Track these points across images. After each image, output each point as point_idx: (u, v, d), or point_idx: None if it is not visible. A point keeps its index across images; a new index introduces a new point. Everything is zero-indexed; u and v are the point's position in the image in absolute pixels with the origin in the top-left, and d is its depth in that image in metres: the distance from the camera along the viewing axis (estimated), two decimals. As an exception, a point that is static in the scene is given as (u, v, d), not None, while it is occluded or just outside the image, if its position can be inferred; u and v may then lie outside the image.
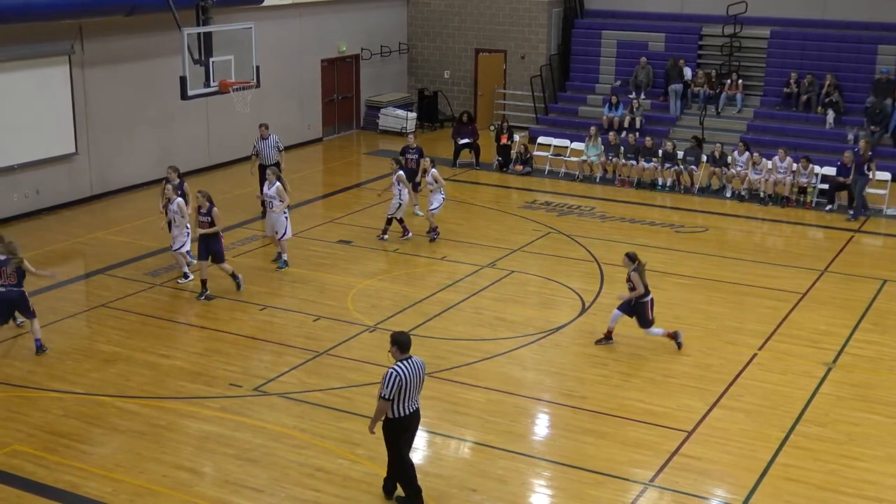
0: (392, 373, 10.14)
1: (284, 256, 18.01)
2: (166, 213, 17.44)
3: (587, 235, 20.30)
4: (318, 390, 13.43)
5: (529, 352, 14.79)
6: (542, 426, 12.92)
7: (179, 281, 17.31)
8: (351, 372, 14.05)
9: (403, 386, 10.14)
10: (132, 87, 22.97)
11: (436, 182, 19.77)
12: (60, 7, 19.63)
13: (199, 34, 18.06)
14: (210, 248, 16.57)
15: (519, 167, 25.66)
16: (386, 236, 19.69)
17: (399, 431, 10.41)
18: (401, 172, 19.66)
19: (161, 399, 13.17)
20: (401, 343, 10.31)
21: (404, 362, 10.25)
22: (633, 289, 14.44)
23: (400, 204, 19.45)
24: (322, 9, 28.24)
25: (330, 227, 20.78)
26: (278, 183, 17.68)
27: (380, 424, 10.44)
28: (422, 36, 31.91)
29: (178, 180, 17.64)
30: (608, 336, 14.89)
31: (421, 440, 12.24)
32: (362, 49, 30.25)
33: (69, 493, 10.91)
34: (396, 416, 10.28)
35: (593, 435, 12.32)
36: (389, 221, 19.70)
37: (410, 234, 19.77)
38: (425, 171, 20.11)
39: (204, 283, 16.73)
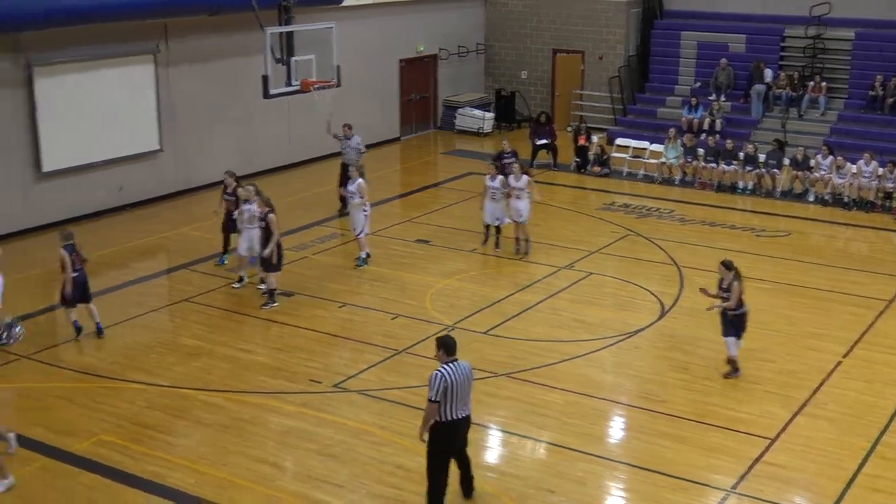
0: (437, 374, 10.03)
1: (362, 254, 18.10)
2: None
3: (666, 238, 20.12)
4: (397, 388, 13.50)
5: (608, 354, 14.70)
6: (620, 429, 12.84)
7: (234, 286, 17.10)
8: (429, 370, 13.89)
9: (450, 388, 10.00)
10: (215, 86, 23.34)
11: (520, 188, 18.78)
12: (147, 7, 20.05)
13: (280, 34, 18.26)
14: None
15: (597, 168, 25.52)
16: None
17: (448, 437, 10.23)
18: (501, 177, 18.95)
19: (243, 393, 13.36)
20: (447, 346, 10.20)
21: (450, 365, 10.10)
22: (726, 299, 13.52)
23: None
24: (401, 9, 28.39)
25: (408, 227, 20.88)
26: (360, 180, 17.79)
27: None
28: (499, 36, 31.89)
29: (234, 184, 17.70)
30: (734, 368, 13.81)
31: (498, 440, 12.29)
32: (440, 49, 30.34)
33: (154, 482, 11.12)
34: (445, 419, 10.11)
35: (672, 439, 12.20)
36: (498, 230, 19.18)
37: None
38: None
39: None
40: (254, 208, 16.44)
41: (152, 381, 13.67)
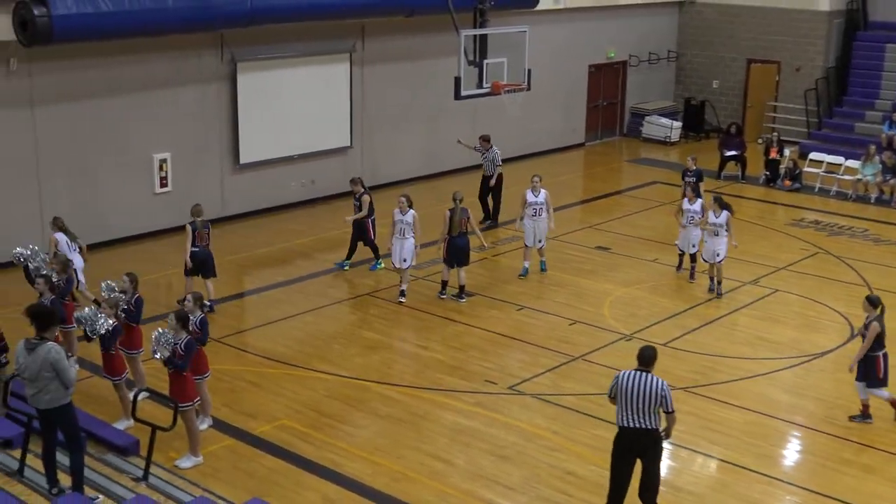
0: (616, 374, 10.13)
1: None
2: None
3: (858, 258, 19.34)
4: (571, 394, 13.47)
5: (792, 375, 14.25)
6: (801, 453, 12.43)
7: (403, 297, 16.83)
8: (605, 379, 13.88)
9: (619, 391, 9.97)
10: (405, 86, 23.82)
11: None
12: (347, 7, 20.67)
13: (474, 36, 18.45)
14: (456, 255, 16.69)
15: (787, 182, 24.75)
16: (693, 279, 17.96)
17: (617, 441, 10.13)
18: (702, 201, 17.87)
19: (420, 389, 13.59)
20: (640, 355, 10.18)
21: (634, 372, 10.02)
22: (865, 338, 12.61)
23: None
24: (594, 14, 28.25)
25: (589, 233, 20.78)
26: (544, 191, 17.70)
27: None
28: (692, 44, 31.32)
29: (362, 190, 17.85)
30: (865, 413, 12.85)
31: (674, 455, 12.08)
32: (630, 55, 30.04)
33: (332, 470, 11.44)
34: (617, 423, 10.07)
35: (858, 467, 11.74)
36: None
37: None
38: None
39: (444, 283, 17.02)
40: (406, 218, 16.52)
41: (334, 371, 14.07)
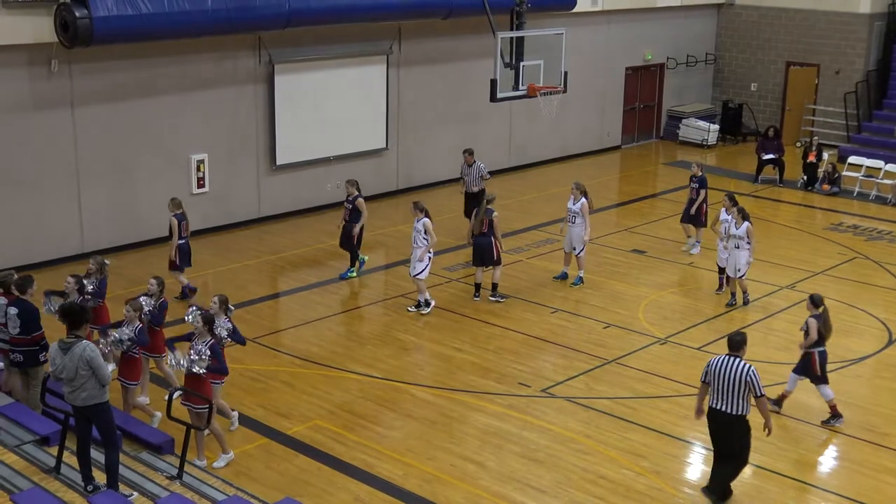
0: (710, 359, 10.86)
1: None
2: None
3: (898, 263, 19.17)
4: (605, 398, 13.43)
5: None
6: (837, 459, 12.31)
7: (409, 309, 16.51)
8: (639, 383, 13.95)
9: (711, 376, 10.69)
10: (441, 88, 23.85)
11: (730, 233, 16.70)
12: (384, 8, 20.74)
13: (511, 38, 18.44)
14: (479, 255, 16.67)
15: (826, 187, 24.52)
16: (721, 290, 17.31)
17: (709, 421, 10.89)
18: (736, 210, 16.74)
19: (452, 391, 13.61)
20: (729, 341, 10.89)
21: (725, 357, 10.71)
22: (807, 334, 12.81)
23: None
24: (631, 16, 28.14)
25: (624, 236, 20.70)
26: (584, 200, 17.50)
27: None
28: (730, 46, 31.10)
29: (356, 194, 17.70)
30: (779, 401, 13.12)
31: (706, 460, 12.00)
32: (668, 58, 29.88)
33: (364, 471, 11.48)
34: (709, 405, 10.81)
35: None
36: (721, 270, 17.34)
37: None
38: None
39: (477, 286, 16.99)
40: (417, 226, 16.20)
41: (367, 372, 14.12)
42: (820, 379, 12.86)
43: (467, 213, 19.61)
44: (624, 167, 27.75)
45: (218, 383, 11.84)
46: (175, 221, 16.22)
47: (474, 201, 18.88)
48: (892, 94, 28.54)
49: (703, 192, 19.38)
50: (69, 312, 9.73)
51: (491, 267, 16.82)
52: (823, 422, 12.89)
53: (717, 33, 31.24)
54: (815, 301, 13.03)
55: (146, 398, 12.64)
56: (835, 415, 12.88)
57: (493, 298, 16.79)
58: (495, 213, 16.59)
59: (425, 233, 16.11)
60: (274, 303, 16.99)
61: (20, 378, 11.87)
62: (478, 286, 16.95)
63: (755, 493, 11.23)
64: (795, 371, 13.06)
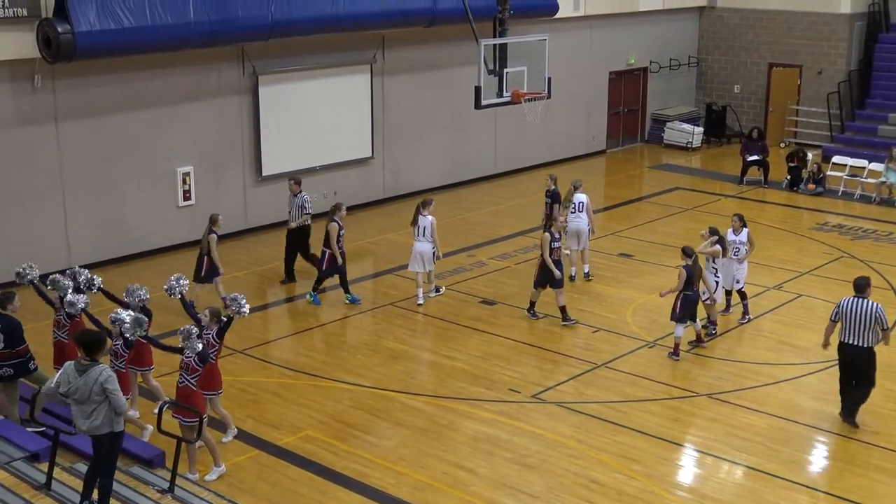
0: (840, 300, 12.70)
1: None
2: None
3: (884, 262, 19.21)
4: (595, 402, 13.45)
5: (817, 380, 14.16)
6: (828, 459, 12.35)
7: (430, 294, 17.30)
8: (628, 386, 13.98)
9: (841, 314, 12.54)
10: (425, 96, 23.88)
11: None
12: (367, 18, 20.74)
13: (494, 45, 18.47)
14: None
15: (811, 186, 24.63)
16: None
17: (838, 353, 12.68)
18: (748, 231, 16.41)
19: (442, 398, 13.61)
20: (855, 285, 12.70)
21: (853, 298, 12.49)
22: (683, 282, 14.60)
23: None
24: (614, 21, 28.22)
25: (611, 240, 20.73)
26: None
27: None
28: (712, 49, 31.24)
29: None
30: (675, 351, 14.79)
31: (698, 461, 12.07)
32: (651, 62, 30.00)
33: (356, 480, 11.47)
34: (839, 340, 12.58)
35: (887, 474, 11.66)
36: None
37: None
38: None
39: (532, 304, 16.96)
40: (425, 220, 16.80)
41: (357, 382, 14.11)
42: (678, 319, 14.72)
43: (288, 254, 18.12)
44: (609, 171, 27.82)
45: (213, 394, 11.83)
46: (214, 238, 16.32)
47: (297, 238, 17.93)
48: (875, 93, 28.68)
49: (556, 206, 18.58)
50: (83, 342, 9.53)
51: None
52: (669, 354, 14.74)
53: (700, 36, 31.37)
54: (688, 252, 14.76)
55: (136, 412, 12.60)
56: (676, 352, 14.74)
57: (568, 323, 16.20)
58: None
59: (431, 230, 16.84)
60: (263, 314, 16.96)
61: (5, 393, 11.83)
62: (532, 304, 16.46)
63: (748, 494, 11.25)
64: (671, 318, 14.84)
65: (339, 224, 16.71)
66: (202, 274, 16.48)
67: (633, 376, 14.27)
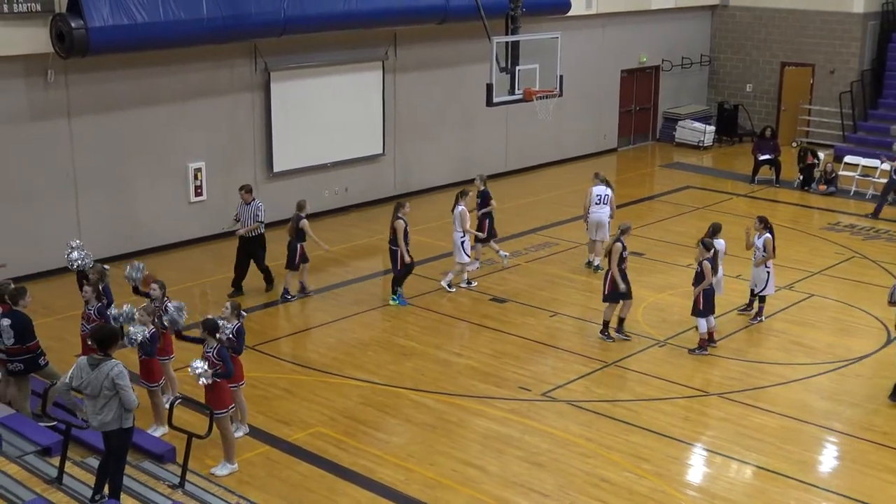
0: None
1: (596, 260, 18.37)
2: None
3: (895, 262, 19.15)
4: (605, 401, 13.44)
5: (828, 380, 14.14)
6: (839, 459, 12.32)
7: (464, 285, 17.78)
8: (639, 385, 13.97)
9: None
10: (437, 93, 23.88)
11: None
12: (379, 15, 20.74)
13: (506, 43, 18.45)
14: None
15: (822, 186, 24.56)
16: None
17: None
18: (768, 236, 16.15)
19: (453, 396, 13.62)
20: None
21: None
22: (702, 277, 14.79)
23: None
24: (626, 19, 28.18)
25: (622, 238, 20.66)
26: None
27: None
28: (725, 48, 31.17)
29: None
30: (703, 345, 14.97)
31: (709, 461, 12.05)
32: (663, 60, 29.94)
33: (365, 477, 11.48)
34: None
35: (896, 474, 11.66)
36: None
37: None
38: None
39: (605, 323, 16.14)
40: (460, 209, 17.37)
41: (368, 378, 14.13)
42: (702, 314, 14.86)
43: (238, 264, 17.36)
44: (621, 169, 27.76)
45: (235, 386, 11.89)
46: (307, 223, 16.89)
47: (248, 247, 17.24)
48: (888, 92, 28.60)
49: (487, 207, 18.36)
50: (97, 338, 9.64)
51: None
52: (690, 350, 14.91)
53: (712, 35, 31.30)
54: (707, 245, 14.89)
55: (170, 395, 12.58)
56: (701, 346, 14.90)
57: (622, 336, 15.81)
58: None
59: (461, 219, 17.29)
60: (274, 310, 16.98)
61: (17, 388, 11.89)
62: (606, 323, 15.61)
63: (757, 494, 11.24)
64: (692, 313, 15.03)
65: (404, 221, 16.77)
66: (295, 262, 16.85)
67: (644, 375, 14.26)
